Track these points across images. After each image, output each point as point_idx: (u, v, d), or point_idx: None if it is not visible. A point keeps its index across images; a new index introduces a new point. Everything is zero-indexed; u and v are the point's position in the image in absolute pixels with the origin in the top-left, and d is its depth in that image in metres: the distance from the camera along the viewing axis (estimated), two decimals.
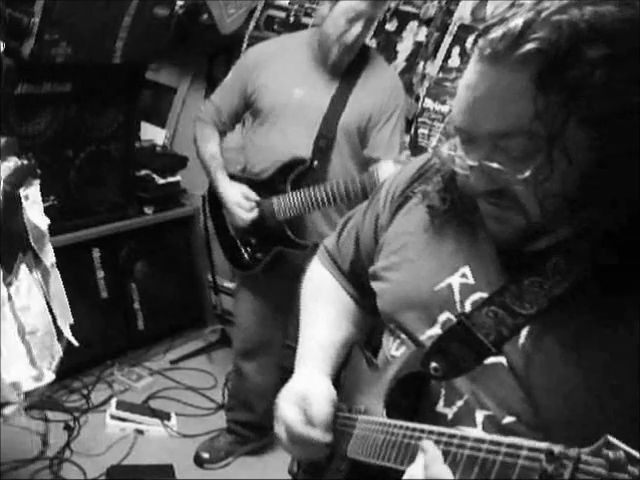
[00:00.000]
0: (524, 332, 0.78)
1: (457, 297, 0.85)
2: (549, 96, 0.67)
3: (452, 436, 0.69)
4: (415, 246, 0.92)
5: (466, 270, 0.85)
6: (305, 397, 0.98)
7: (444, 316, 0.85)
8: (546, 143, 0.69)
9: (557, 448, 0.55)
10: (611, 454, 0.50)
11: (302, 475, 1.11)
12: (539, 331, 0.77)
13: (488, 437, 0.64)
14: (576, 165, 0.70)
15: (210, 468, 2.57)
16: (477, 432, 0.79)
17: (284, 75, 2.18)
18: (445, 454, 0.68)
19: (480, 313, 0.80)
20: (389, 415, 0.86)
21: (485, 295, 0.82)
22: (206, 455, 2.58)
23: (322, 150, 2.16)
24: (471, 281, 0.84)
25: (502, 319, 0.78)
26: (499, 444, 0.62)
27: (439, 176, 0.89)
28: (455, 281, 0.86)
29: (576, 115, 0.67)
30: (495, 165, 0.73)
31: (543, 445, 0.56)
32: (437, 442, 0.70)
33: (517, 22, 0.68)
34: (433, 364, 0.81)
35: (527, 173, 0.71)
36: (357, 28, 2.04)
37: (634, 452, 0.50)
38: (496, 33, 0.69)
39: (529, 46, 0.66)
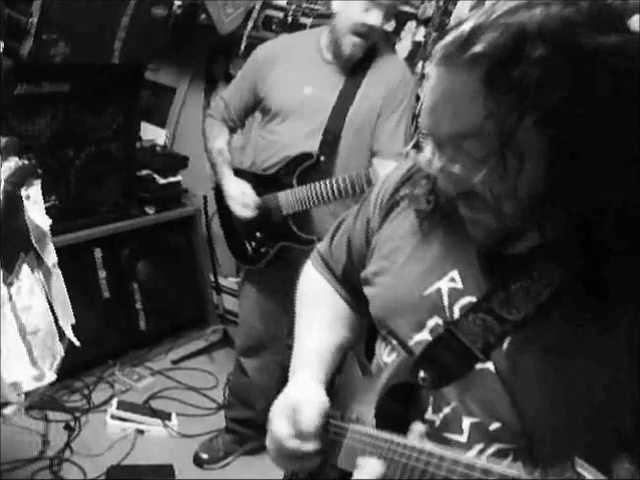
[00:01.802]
0: (510, 338, 0.78)
1: (446, 302, 0.85)
2: (498, 97, 0.68)
3: (431, 455, 0.69)
4: (404, 250, 0.93)
5: (455, 274, 0.85)
6: (295, 408, 0.97)
7: (433, 321, 0.85)
8: (498, 144, 0.69)
9: (525, 477, 0.56)
10: None
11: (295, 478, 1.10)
12: (525, 337, 0.77)
13: (464, 460, 0.65)
14: (531, 166, 0.70)
15: (209, 468, 2.57)
16: (455, 453, 0.80)
17: (294, 73, 2.19)
18: (423, 473, 0.69)
19: (467, 320, 0.80)
20: (379, 423, 0.85)
21: (474, 299, 0.82)
22: (205, 455, 2.58)
23: (329, 145, 2.16)
24: (460, 285, 0.84)
25: (489, 326, 0.78)
26: (473, 468, 0.62)
27: (426, 179, 0.90)
28: (444, 285, 0.86)
29: (528, 116, 0.68)
30: (455, 168, 0.74)
31: (512, 473, 0.57)
32: (417, 460, 0.71)
33: (467, 26, 0.69)
34: (421, 373, 0.81)
35: (481, 174, 0.72)
36: (373, 17, 2.03)
37: (601, 478, 0.50)
38: (449, 37, 0.71)
39: (476, 48, 0.68)
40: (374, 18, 2.04)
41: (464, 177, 0.74)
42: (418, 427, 0.77)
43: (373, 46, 2.20)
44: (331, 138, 2.16)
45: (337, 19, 2.12)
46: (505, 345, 0.78)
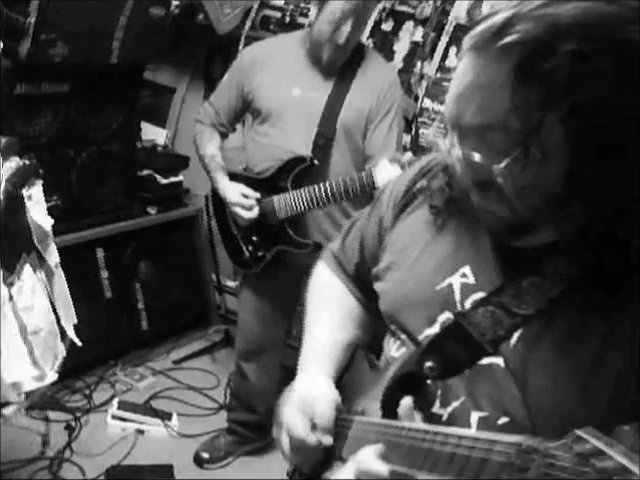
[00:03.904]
0: (519, 332, 0.78)
1: (457, 297, 0.85)
2: (526, 89, 0.67)
3: (436, 434, 0.69)
4: (417, 246, 0.93)
5: (467, 270, 0.86)
6: (309, 401, 0.98)
7: (444, 316, 0.86)
8: (522, 137, 0.69)
9: (526, 442, 0.55)
10: (578, 447, 0.51)
11: (298, 476, 1.10)
12: (535, 331, 0.78)
13: (469, 433, 0.65)
14: (553, 162, 0.70)
15: (209, 468, 2.57)
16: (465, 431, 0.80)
17: (281, 75, 2.19)
18: (428, 452, 0.68)
19: (477, 313, 0.80)
20: (385, 415, 0.85)
21: (486, 295, 0.82)
22: (206, 455, 2.58)
23: (322, 148, 2.17)
24: (472, 281, 0.85)
25: (499, 319, 0.78)
26: (477, 440, 0.62)
27: (443, 172, 0.90)
28: (456, 281, 0.86)
29: (553, 111, 0.67)
30: (476, 157, 0.74)
31: (514, 439, 0.57)
32: (422, 440, 0.70)
33: (502, 15, 0.69)
34: (428, 363, 0.81)
35: (502, 165, 0.71)
36: (346, 28, 2.04)
37: (601, 445, 0.50)
38: (482, 26, 0.70)
39: (510, 38, 0.67)
40: (346, 28, 2.05)
41: (484, 166, 0.73)
42: (406, 401, 0.77)
43: (359, 50, 2.20)
44: (323, 142, 2.16)
45: (315, 26, 2.12)
46: (514, 339, 0.78)
